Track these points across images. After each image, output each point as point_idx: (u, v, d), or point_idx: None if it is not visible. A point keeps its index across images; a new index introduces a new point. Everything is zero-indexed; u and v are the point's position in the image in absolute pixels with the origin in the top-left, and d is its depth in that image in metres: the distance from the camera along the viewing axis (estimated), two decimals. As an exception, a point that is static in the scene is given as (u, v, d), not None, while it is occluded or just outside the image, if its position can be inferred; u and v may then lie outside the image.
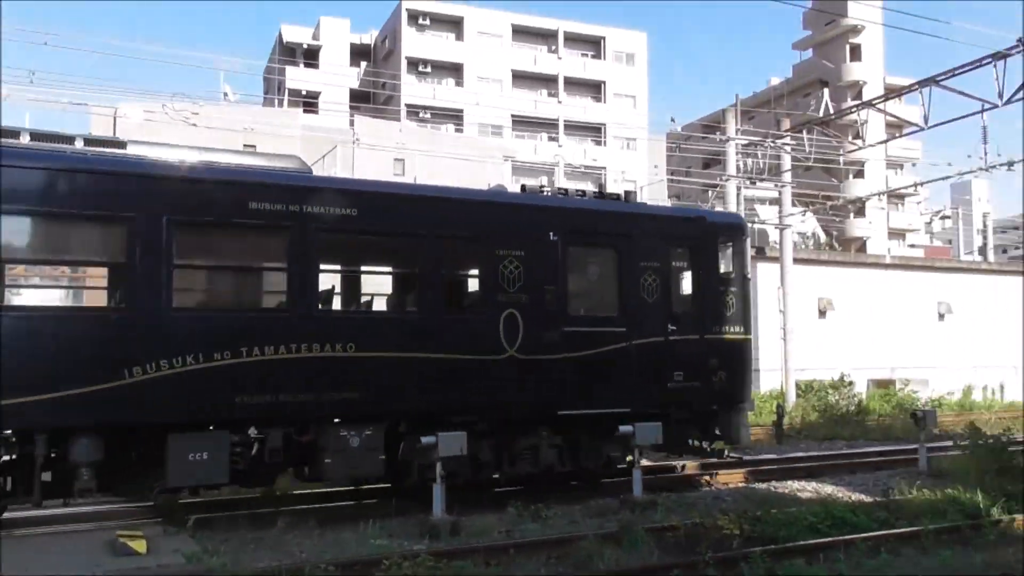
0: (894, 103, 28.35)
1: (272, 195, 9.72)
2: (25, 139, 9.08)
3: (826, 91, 39.65)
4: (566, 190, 12.63)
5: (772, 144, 25.23)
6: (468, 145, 42.89)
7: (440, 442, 9.49)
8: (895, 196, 56.09)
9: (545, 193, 12.25)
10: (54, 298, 10.32)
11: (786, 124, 27.32)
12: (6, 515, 9.34)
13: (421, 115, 52.24)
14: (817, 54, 63.17)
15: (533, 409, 11.11)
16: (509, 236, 10.99)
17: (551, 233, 11.25)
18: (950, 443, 14.86)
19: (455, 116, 52.94)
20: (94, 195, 8.96)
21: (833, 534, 8.91)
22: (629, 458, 11.57)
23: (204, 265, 10.35)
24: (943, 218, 55.81)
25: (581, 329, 11.32)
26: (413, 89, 53.05)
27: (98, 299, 9.66)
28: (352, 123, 42.01)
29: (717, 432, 12.41)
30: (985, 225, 47.83)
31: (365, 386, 9.92)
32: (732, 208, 24.85)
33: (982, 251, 45.84)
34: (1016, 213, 66.06)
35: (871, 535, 8.86)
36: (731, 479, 13.42)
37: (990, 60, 16.64)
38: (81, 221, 9.11)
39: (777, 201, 28.52)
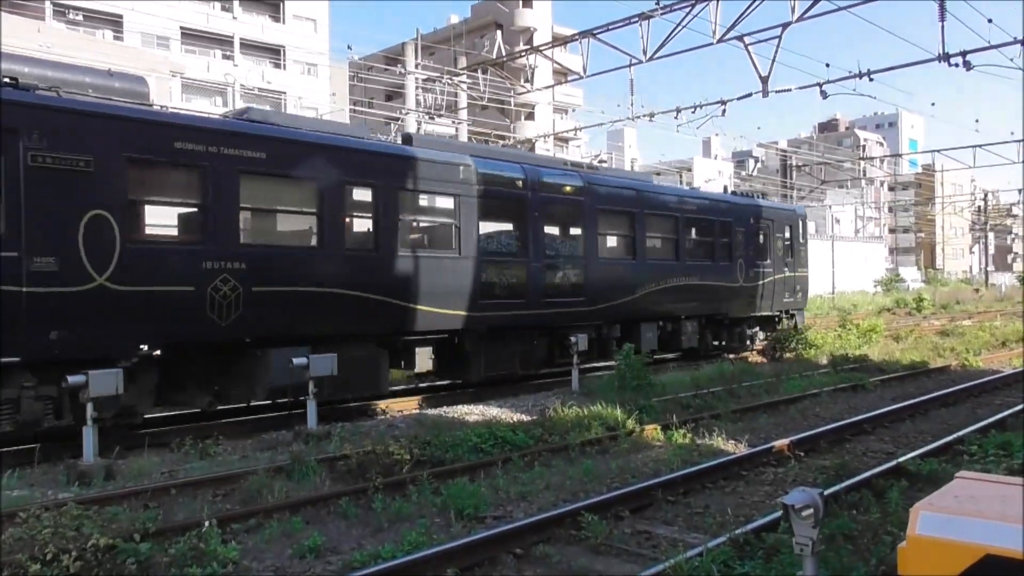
0: (559, 51, 30.25)
1: (627, 195, 17.38)
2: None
3: (499, 34, 41.24)
4: (752, 194, 23.45)
5: (450, 81, 25.82)
6: (129, 56, 38.68)
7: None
8: (560, 139, 60.43)
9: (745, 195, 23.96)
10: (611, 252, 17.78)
11: (463, 63, 28.06)
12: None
13: (71, 16, 45.94)
14: (494, -4, 65.43)
15: (747, 311, 20.87)
16: (740, 219, 20.51)
17: (751, 219, 20.95)
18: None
19: (114, 21, 47.28)
20: (571, 199, 15.96)
21: (495, 453, 9.58)
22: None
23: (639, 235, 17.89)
24: (601, 162, 61.44)
25: (759, 269, 21.11)
26: (61, -15, 46.39)
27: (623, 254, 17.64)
28: (-20, 17, 35.75)
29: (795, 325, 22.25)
30: (633, 169, 53.34)
31: (696, 300, 18.74)
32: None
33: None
34: (658, 160, 74.48)
35: (527, 450, 9.70)
36: (405, 406, 13.88)
37: (637, 19, 18.33)
38: (567, 207, 16.01)
39: (454, 138, 29.43)
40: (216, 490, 8.05)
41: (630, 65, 19.55)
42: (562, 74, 38.56)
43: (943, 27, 16.84)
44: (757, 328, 21.67)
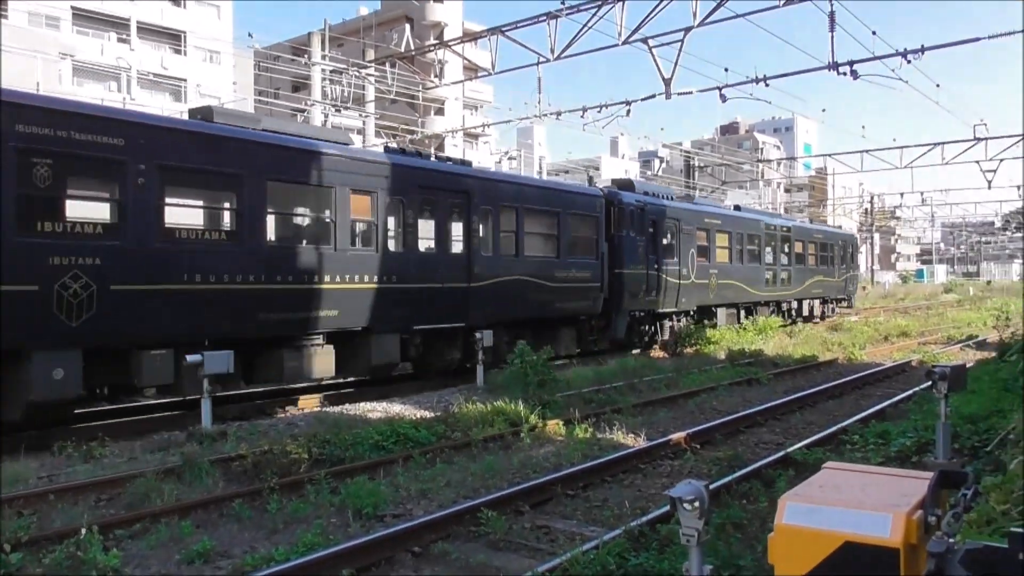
0: (470, 47, 30.18)
1: (807, 231, 34.32)
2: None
3: (409, 28, 40.86)
4: (836, 225, 55.50)
5: (357, 74, 25.45)
6: (15, 35, 36.64)
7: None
8: (470, 135, 60.38)
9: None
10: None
11: (371, 55, 27.66)
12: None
13: (-51, -8, 43.13)
14: (404, -10, 64.71)
15: (837, 295, 36.19)
16: (834, 240, 35.71)
17: (840, 240, 36.65)
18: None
19: (-3, -1, 44.56)
20: (790, 236, 30.78)
21: (396, 450, 9.49)
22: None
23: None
24: (510, 158, 61.63)
25: (841, 269, 35.95)
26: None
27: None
28: None
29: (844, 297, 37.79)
30: (542, 167, 53.72)
31: (822, 288, 33.55)
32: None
33: (539, 190, 51.33)
34: (565, 158, 75.26)
35: (429, 447, 9.64)
36: (306, 404, 13.61)
37: (544, 18, 18.43)
38: (790, 240, 30.76)
39: (362, 131, 29.02)
40: (100, 494, 7.72)
41: (538, 63, 19.63)
42: (472, 70, 38.51)
43: (832, 37, 17.53)
44: (834, 303, 35.66)
